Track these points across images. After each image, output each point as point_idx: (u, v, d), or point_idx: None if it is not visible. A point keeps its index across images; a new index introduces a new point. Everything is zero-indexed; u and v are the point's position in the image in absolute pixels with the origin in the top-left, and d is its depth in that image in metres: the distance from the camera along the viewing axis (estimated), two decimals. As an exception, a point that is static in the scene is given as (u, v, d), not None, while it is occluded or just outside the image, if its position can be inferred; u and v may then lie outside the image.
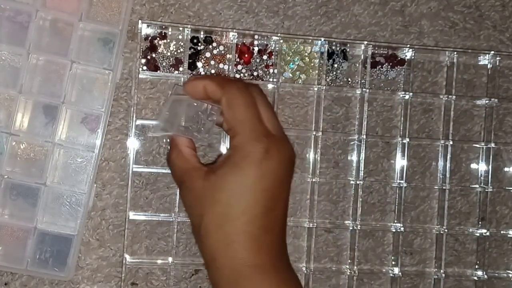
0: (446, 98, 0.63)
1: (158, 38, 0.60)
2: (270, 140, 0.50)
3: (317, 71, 0.62)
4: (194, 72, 0.60)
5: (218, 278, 0.50)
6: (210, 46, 0.60)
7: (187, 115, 0.53)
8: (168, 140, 0.58)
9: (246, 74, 0.61)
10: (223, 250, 0.49)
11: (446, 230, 0.63)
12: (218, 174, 0.50)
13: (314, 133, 0.61)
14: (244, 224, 0.49)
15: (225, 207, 0.49)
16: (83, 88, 0.57)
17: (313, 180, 0.61)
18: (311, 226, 0.61)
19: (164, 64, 0.60)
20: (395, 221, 0.63)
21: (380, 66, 0.63)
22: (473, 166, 0.65)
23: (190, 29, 0.58)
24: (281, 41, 0.60)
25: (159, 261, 0.59)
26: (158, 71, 0.59)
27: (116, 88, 0.58)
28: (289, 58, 0.61)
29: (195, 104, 0.53)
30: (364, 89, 0.61)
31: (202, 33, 0.60)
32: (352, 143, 0.63)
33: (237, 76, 0.60)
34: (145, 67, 0.59)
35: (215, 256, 0.50)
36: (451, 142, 0.63)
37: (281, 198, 0.51)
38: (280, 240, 0.52)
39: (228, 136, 0.52)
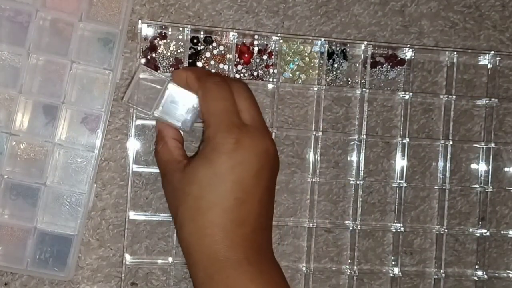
0: (446, 98, 0.63)
1: (158, 38, 0.59)
2: (243, 131, 0.50)
3: (317, 71, 0.62)
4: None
5: (195, 273, 0.49)
6: (210, 46, 0.60)
7: (168, 97, 0.53)
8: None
9: (246, 74, 0.61)
10: (196, 244, 0.49)
11: (446, 230, 0.63)
12: (191, 167, 0.50)
13: (314, 133, 0.61)
14: (216, 216, 0.48)
15: (196, 199, 0.49)
16: (83, 88, 0.57)
17: (313, 180, 0.61)
18: (311, 226, 0.61)
19: (164, 64, 0.60)
20: (395, 221, 0.63)
21: (380, 66, 0.63)
22: (473, 166, 0.65)
23: (190, 29, 0.58)
24: (281, 41, 0.60)
25: (159, 261, 0.59)
26: (158, 71, 0.59)
27: (116, 88, 0.58)
28: (289, 58, 0.61)
29: (180, 91, 0.53)
30: (364, 89, 0.61)
31: (202, 33, 0.60)
32: (352, 143, 0.63)
33: (237, 76, 0.60)
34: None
35: (189, 250, 0.49)
36: (451, 142, 0.63)
37: (256, 190, 0.50)
38: (256, 233, 0.50)
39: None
